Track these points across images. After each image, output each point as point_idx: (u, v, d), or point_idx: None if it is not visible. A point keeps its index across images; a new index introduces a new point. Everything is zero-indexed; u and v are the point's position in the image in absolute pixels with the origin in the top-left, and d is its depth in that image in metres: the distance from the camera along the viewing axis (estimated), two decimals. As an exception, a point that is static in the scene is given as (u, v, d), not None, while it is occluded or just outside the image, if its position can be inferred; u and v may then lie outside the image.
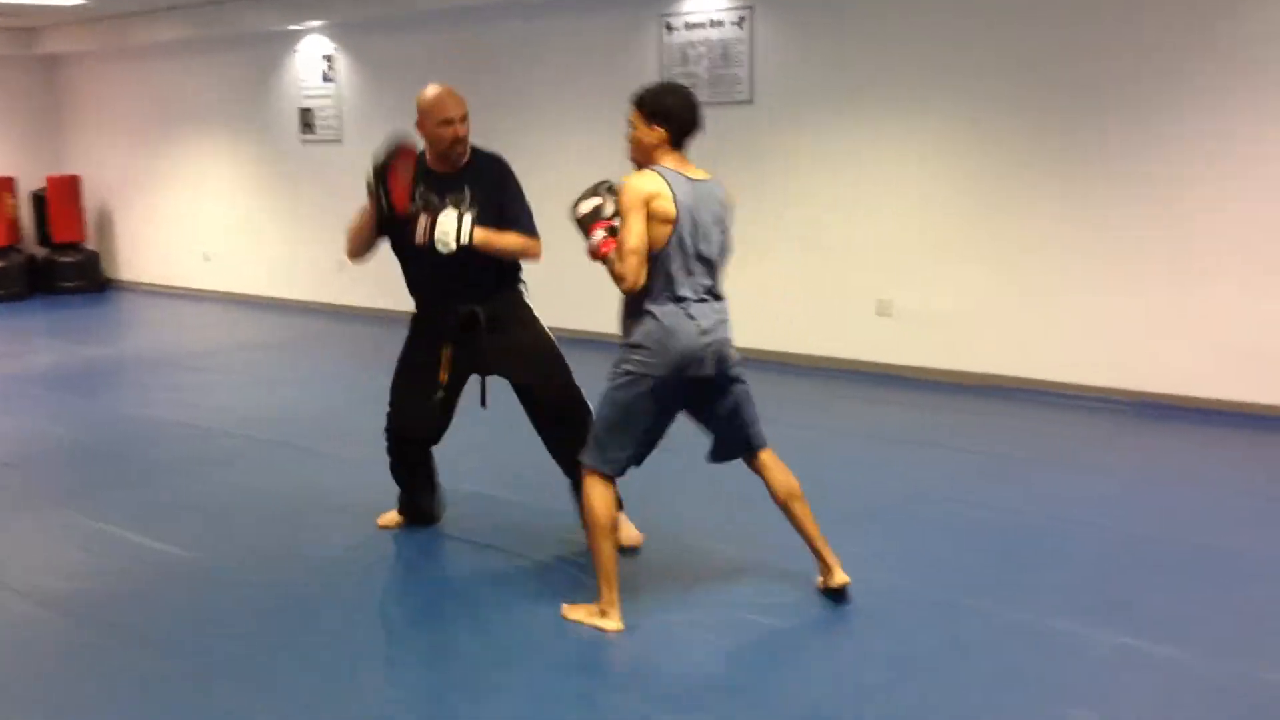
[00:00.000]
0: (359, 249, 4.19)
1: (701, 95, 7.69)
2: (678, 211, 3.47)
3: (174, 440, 6.10)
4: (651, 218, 3.46)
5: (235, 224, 11.65)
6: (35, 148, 13.08)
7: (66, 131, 13.26)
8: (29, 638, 3.67)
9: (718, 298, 3.63)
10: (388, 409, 4.38)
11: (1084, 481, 5.14)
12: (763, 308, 7.60)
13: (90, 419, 6.71)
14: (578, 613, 3.67)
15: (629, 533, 4.27)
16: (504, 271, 4.19)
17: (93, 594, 3.99)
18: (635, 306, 3.57)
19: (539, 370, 4.19)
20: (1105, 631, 3.55)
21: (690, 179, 3.56)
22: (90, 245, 12.93)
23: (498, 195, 4.06)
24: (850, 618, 3.70)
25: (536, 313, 4.26)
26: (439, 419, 4.31)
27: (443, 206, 3.95)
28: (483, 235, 3.93)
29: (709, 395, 3.67)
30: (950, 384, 7.05)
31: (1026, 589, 3.91)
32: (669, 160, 3.58)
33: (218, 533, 4.63)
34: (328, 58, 10.40)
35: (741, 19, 7.68)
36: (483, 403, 4.27)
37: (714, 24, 7.82)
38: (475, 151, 4.13)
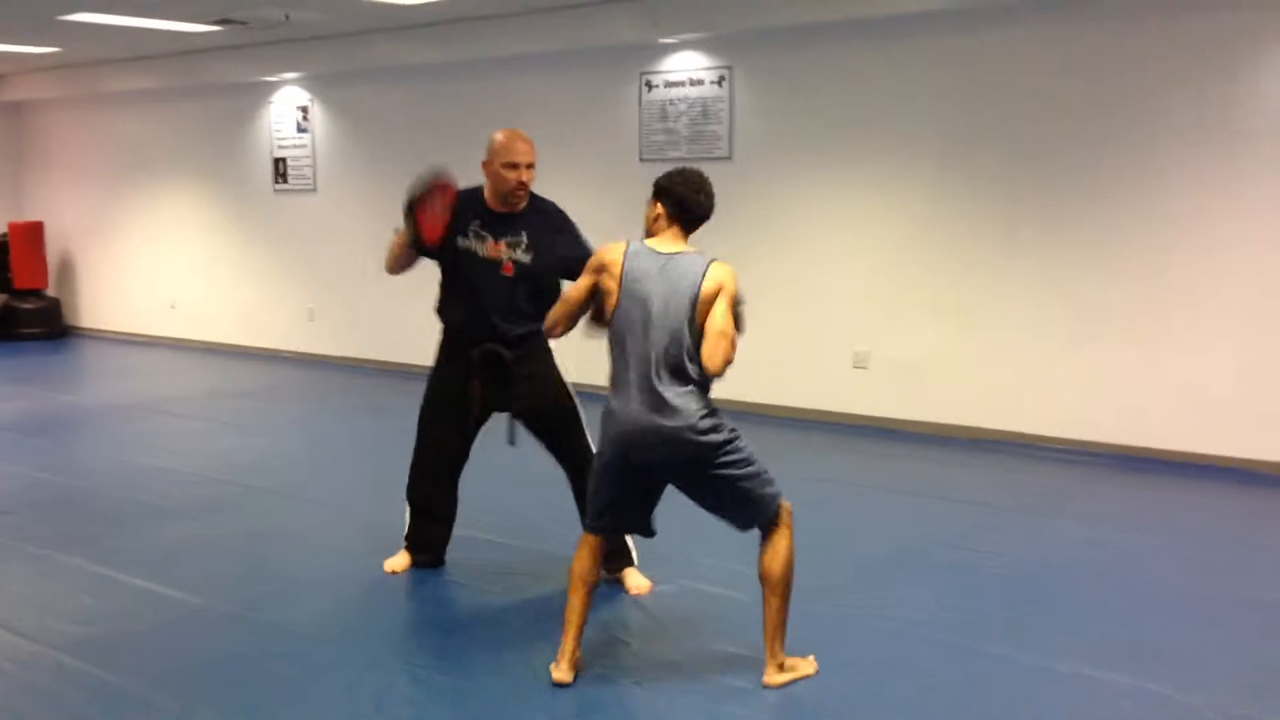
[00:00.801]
0: (395, 268, 4.42)
1: (681, 151, 8.06)
2: (621, 284, 3.49)
3: (162, 486, 6.08)
4: (601, 287, 3.56)
5: (203, 272, 11.63)
6: (-3, 193, 13.01)
7: (30, 178, 13.18)
8: (52, 682, 3.66)
9: (675, 378, 3.45)
10: (416, 441, 4.51)
11: (1071, 530, 5.31)
12: (741, 360, 7.71)
13: (75, 465, 6.67)
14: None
15: (636, 581, 4.41)
16: (540, 318, 4.25)
17: (107, 638, 3.99)
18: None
19: (555, 426, 4.36)
20: (1116, 674, 3.68)
21: (661, 252, 3.53)
22: (52, 292, 12.82)
23: (557, 240, 4.25)
24: (869, 663, 3.80)
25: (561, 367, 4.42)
26: (463, 451, 4.46)
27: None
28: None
29: (684, 480, 3.59)
30: (926, 435, 7.23)
31: (1035, 633, 4.05)
32: (662, 235, 3.58)
33: (220, 576, 4.64)
34: (303, 109, 10.49)
35: (721, 78, 7.90)
36: (510, 440, 4.38)
37: (694, 82, 8.03)
38: (533, 197, 4.29)
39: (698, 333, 3.46)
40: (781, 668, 3.62)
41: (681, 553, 4.71)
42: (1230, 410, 6.34)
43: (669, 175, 3.63)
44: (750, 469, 3.55)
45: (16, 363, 10.95)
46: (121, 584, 4.53)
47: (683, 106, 8.08)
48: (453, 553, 4.72)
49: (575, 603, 3.62)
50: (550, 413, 4.35)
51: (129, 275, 12.37)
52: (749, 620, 4.10)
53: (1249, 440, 6.28)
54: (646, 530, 3.75)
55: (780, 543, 3.61)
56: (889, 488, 6.06)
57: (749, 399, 7.75)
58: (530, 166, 4.19)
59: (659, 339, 3.44)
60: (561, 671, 3.58)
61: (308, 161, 10.50)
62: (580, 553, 3.66)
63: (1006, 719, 3.41)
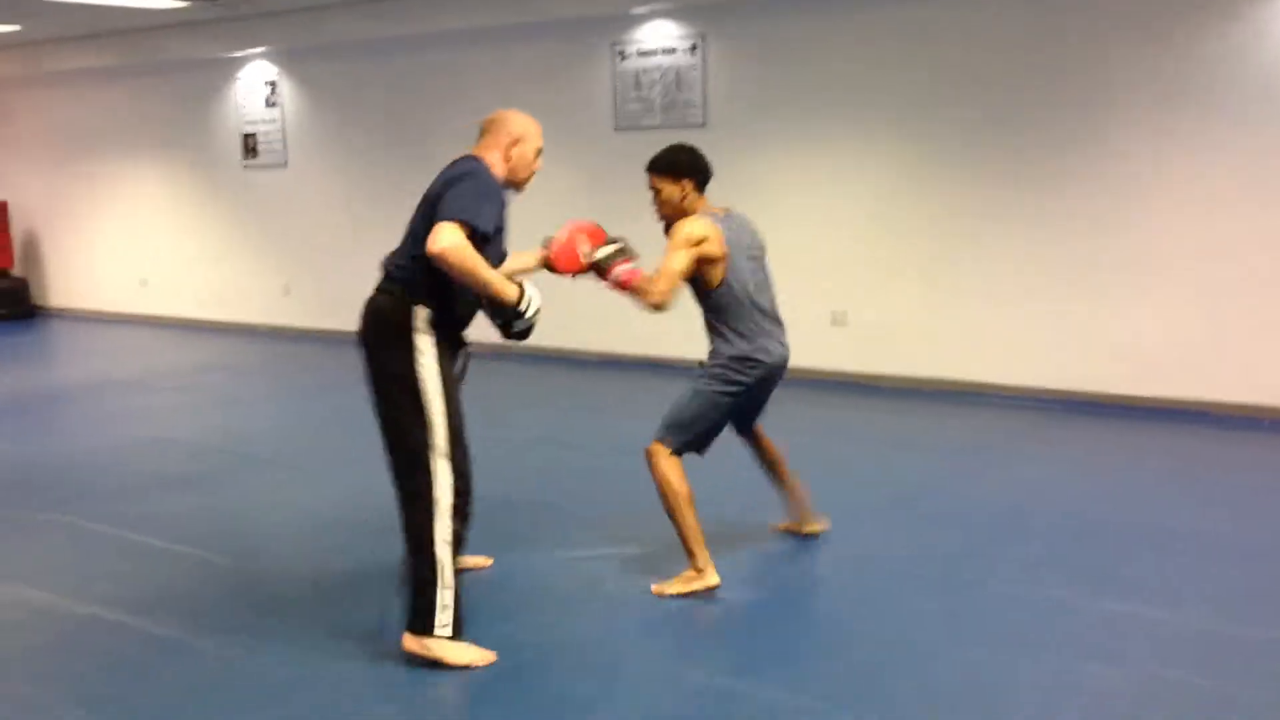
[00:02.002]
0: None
1: (655, 120, 8.25)
2: (728, 248, 4.03)
3: (161, 457, 6.22)
4: (703, 259, 3.98)
5: (174, 249, 11.65)
6: (-43, 174, 12.91)
7: (-11, 157, 13.09)
8: (104, 637, 3.83)
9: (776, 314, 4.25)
10: (451, 464, 3.54)
11: (1037, 471, 5.62)
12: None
13: (69, 440, 6.77)
14: (673, 587, 4.07)
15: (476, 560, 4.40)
16: None
17: (146, 595, 4.16)
18: (719, 330, 4.09)
19: None
20: (1093, 598, 3.98)
21: (727, 214, 4.14)
22: (17, 272, 12.77)
23: None
24: (851, 599, 4.08)
25: None
26: None
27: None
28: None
29: (764, 397, 4.29)
30: (902, 389, 7.51)
31: (1014, 565, 4.33)
32: (702, 202, 4.14)
33: (239, 537, 4.81)
34: (271, 83, 10.52)
35: (694, 46, 8.08)
36: None
37: (666, 51, 8.20)
38: None
39: None
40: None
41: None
42: (1182, 355, 6.68)
43: (691, 154, 4.12)
44: None
45: (-12, 343, 10.94)
46: (147, 546, 4.69)
47: (656, 75, 8.26)
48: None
49: (695, 518, 4.07)
50: None
51: (98, 253, 12.35)
52: (756, 542, 4.36)
53: (1202, 383, 6.64)
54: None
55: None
56: (865, 438, 6.34)
57: (728, 359, 8.00)
58: None
59: (769, 285, 4.22)
60: (714, 573, 4.08)
61: (278, 136, 10.55)
62: (680, 475, 4.05)
63: (992, 641, 3.68)
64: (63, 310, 12.75)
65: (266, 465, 6.02)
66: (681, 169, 4.09)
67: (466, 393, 3.72)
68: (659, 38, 8.23)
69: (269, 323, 10.90)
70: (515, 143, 3.70)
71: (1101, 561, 4.36)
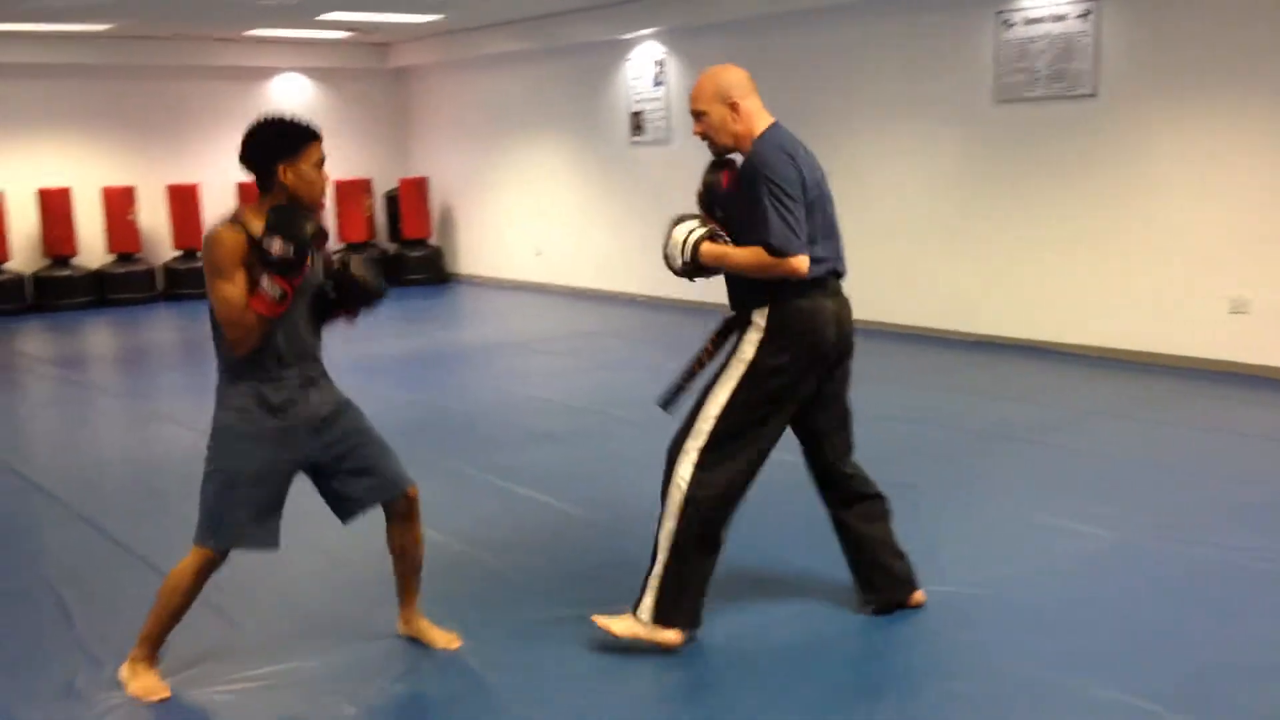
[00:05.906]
0: None
1: (1037, 91, 7.82)
2: None
3: (538, 413, 6.71)
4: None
5: (566, 221, 12.43)
6: (388, 152, 14.40)
7: (415, 137, 14.51)
8: (470, 571, 4.23)
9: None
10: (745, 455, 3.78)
11: None
12: (1106, 304, 7.49)
13: (465, 394, 7.47)
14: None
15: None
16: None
17: (509, 539, 4.54)
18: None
19: None
20: None
21: None
22: (434, 241, 14.10)
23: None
24: (1224, 605, 3.73)
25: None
26: None
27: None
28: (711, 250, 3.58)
29: None
30: (1312, 385, 6.75)
31: None
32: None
33: (596, 492, 5.10)
34: (659, 63, 10.95)
35: (1087, 11, 7.59)
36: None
37: (1056, 18, 7.76)
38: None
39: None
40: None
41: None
42: None
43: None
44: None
45: (407, 306, 12.15)
46: (516, 494, 5.10)
47: (1043, 44, 7.83)
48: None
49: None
50: None
51: (500, 225, 13.41)
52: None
53: None
54: None
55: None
56: (1271, 436, 5.78)
57: (1116, 345, 7.53)
58: (695, 115, 3.72)
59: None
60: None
61: (663, 114, 10.97)
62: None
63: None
64: (471, 277, 13.94)
65: (634, 427, 6.31)
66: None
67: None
68: (1048, 2, 7.80)
69: (647, 293, 11.38)
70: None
71: None
